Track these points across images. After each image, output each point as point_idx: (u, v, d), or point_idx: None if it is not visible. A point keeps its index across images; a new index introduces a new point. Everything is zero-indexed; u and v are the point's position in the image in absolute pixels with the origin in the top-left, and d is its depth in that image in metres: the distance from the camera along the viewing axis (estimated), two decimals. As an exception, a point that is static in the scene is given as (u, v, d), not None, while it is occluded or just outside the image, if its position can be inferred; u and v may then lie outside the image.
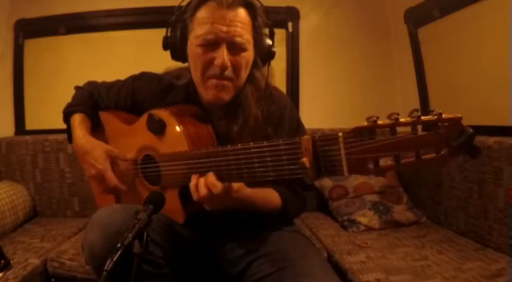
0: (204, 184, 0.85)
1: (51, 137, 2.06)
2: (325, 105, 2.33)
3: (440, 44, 1.94)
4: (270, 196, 1.03)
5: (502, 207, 1.42)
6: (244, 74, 1.01)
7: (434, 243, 1.57)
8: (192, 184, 0.88)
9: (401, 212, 1.86)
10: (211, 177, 0.85)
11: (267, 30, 1.05)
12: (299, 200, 1.08)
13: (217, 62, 0.95)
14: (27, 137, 2.10)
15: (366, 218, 1.82)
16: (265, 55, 1.04)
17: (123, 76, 1.23)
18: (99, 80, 1.29)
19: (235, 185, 0.88)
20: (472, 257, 1.40)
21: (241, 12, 0.96)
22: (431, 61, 2.04)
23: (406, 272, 1.29)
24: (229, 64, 0.96)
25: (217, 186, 0.84)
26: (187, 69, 1.06)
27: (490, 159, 1.47)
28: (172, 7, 1.04)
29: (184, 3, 1.03)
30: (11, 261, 1.38)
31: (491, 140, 1.48)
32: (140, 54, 2.13)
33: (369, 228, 1.79)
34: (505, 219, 1.40)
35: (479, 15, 1.64)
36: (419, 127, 0.63)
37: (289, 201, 1.04)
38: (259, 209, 1.00)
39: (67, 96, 1.26)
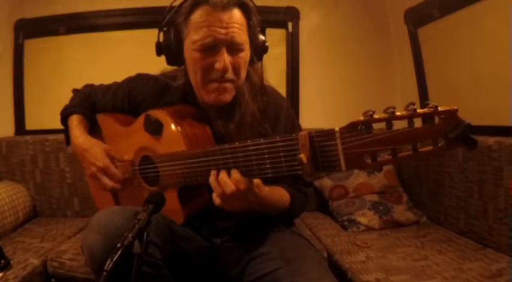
0: (230, 180, 0.83)
1: (51, 137, 2.06)
2: (325, 105, 2.33)
3: (440, 44, 1.94)
4: (282, 193, 1.02)
5: (502, 207, 1.42)
6: (243, 74, 1.01)
7: (434, 243, 1.57)
8: (212, 180, 0.85)
9: (401, 212, 1.86)
10: (236, 173, 0.83)
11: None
12: (302, 198, 1.08)
13: (218, 65, 0.94)
14: (27, 137, 2.10)
15: (366, 218, 1.82)
16: (260, 51, 1.04)
17: (123, 76, 1.22)
18: (99, 80, 1.28)
19: (256, 181, 0.86)
20: (472, 257, 1.40)
21: (237, 13, 0.95)
22: (431, 61, 2.04)
23: (406, 272, 1.29)
24: (230, 67, 0.95)
25: (243, 182, 0.82)
26: (183, 70, 1.05)
27: (490, 159, 1.47)
28: (172, 7, 1.03)
29: (176, 3, 1.00)
30: (11, 261, 1.39)
31: (491, 140, 1.47)
32: (140, 54, 2.10)
33: (369, 228, 1.79)
34: (505, 219, 1.40)
35: (479, 15, 1.64)
36: (416, 120, 0.63)
37: (295, 199, 1.04)
38: (274, 207, 0.99)
39: (67, 96, 1.26)
